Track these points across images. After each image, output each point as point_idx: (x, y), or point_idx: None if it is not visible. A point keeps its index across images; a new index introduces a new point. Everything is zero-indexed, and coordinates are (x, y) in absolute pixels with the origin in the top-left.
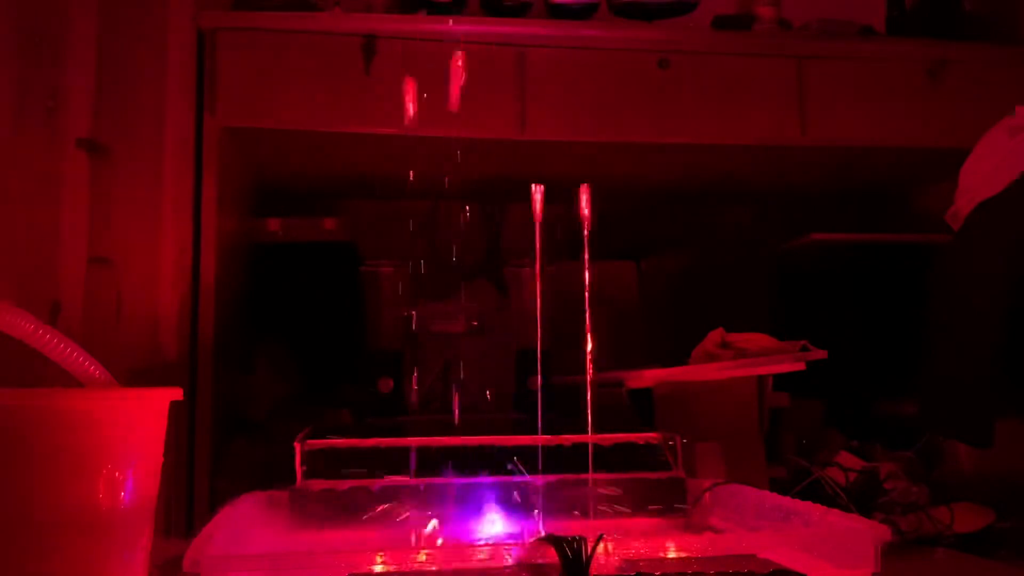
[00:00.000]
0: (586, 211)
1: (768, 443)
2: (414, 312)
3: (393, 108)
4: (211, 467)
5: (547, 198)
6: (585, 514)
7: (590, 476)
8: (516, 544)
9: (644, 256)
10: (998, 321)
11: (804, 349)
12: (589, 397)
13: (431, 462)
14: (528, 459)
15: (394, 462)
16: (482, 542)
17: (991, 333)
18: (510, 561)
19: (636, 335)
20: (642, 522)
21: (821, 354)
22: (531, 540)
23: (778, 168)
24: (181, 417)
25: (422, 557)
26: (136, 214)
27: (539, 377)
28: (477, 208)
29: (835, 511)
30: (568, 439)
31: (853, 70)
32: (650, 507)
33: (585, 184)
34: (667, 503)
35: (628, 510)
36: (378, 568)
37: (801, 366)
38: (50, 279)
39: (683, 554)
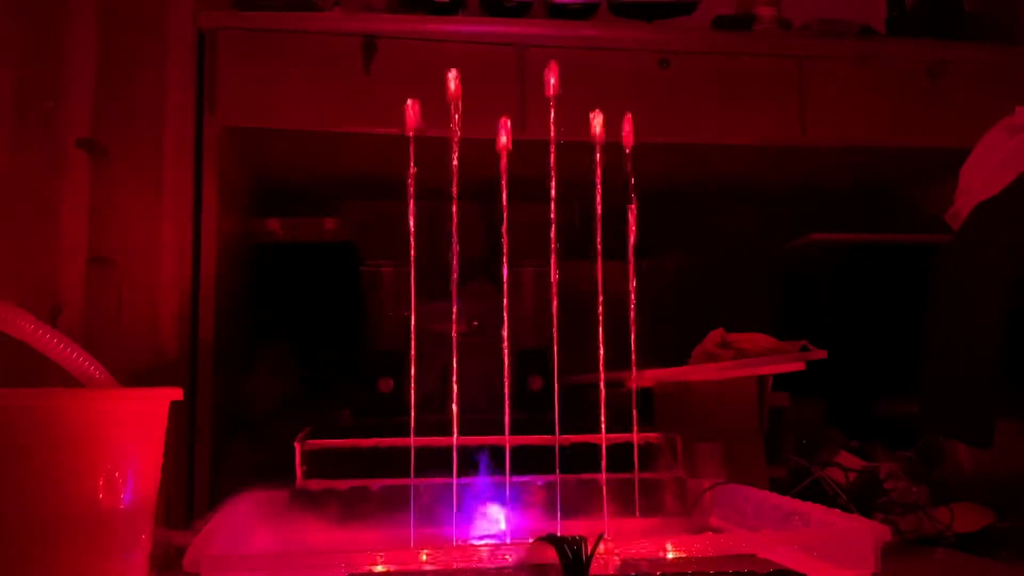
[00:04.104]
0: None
1: (768, 443)
2: (414, 312)
3: (393, 108)
4: (211, 467)
5: (547, 198)
6: (585, 514)
7: (590, 476)
8: (516, 544)
9: (644, 256)
10: (998, 321)
11: (804, 349)
12: (593, 397)
13: (431, 462)
14: (528, 459)
15: (394, 462)
16: (482, 542)
17: (991, 333)
18: (510, 561)
19: (636, 335)
20: (642, 522)
21: (821, 354)
22: (531, 540)
23: (778, 168)
24: (181, 417)
25: (422, 557)
26: (136, 214)
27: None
28: (477, 208)
29: (835, 511)
30: (568, 439)
31: (853, 70)
32: (650, 507)
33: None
34: (667, 503)
35: (628, 510)
36: (378, 568)
37: (801, 366)
38: (50, 279)
39: (683, 554)
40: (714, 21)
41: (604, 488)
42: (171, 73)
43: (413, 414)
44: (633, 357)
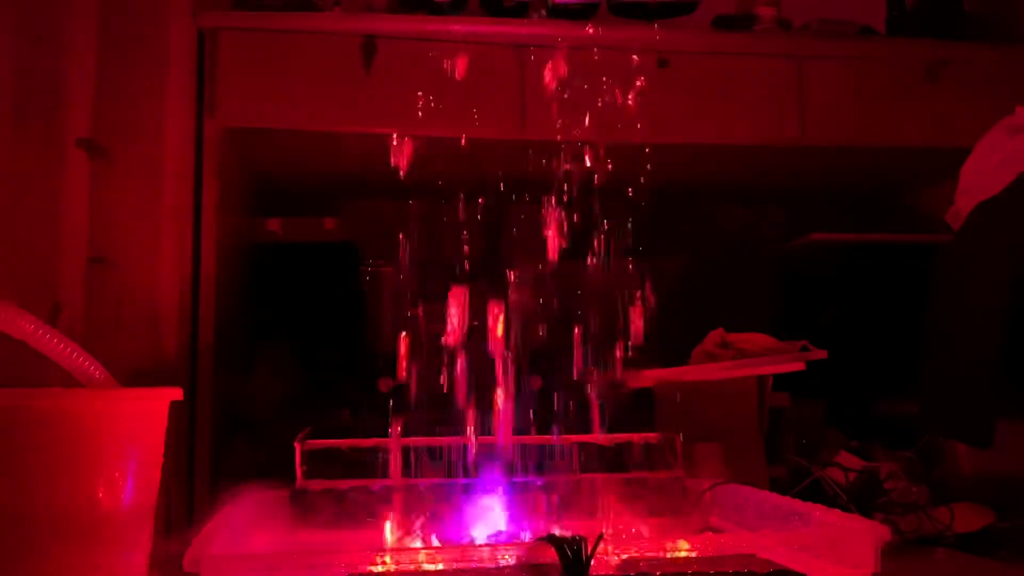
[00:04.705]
0: None
1: (768, 443)
2: (414, 312)
3: (393, 108)
4: (211, 467)
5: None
6: (585, 514)
7: (590, 476)
8: (516, 544)
9: (644, 256)
10: (998, 321)
11: (804, 349)
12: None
13: (431, 462)
14: (528, 459)
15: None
16: (482, 542)
17: (991, 333)
18: (510, 561)
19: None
20: (642, 522)
21: (821, 354)
22: (531, 540)
23: (778, 168)
24: (181, 417)
25: (422, 557)
26: (136, 214)
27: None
28: (477, 208)
29: (835, 511)
30: (568, 439)
31: (853, 70)
32: (650, 507)
33: None
34: (667, 503)
35: (628, 510)
36: (378, 568)
37: (801, 366)
38: (50, 279)
39: (683, 554)
40: (714, 21)
41: (604, 488)
42: (171, 73)
43: (414, 414)
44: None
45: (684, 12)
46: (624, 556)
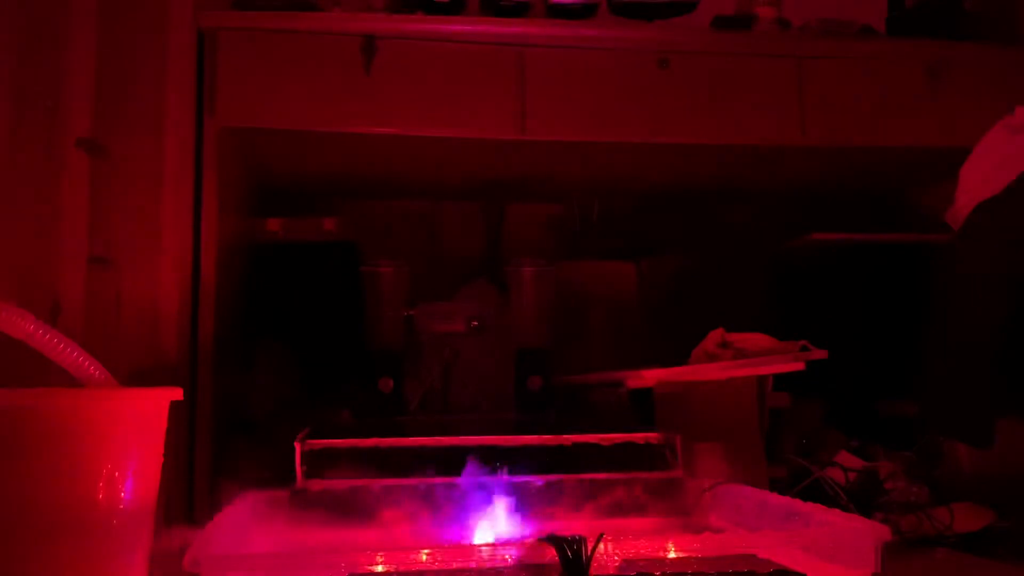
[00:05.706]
0: None
1: (768, 443)
2: (414, 312)
3: (393, 108)
4: (211, 467)
5: (547, 198)
6: (586, 514)
7: (590, 476)
8: (516, 544)
9: (644, 256)
10: (998, 321)
11: (804, 349)
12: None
13: (431, 462)
14: (528, 459)
15: (394, 462)
16: (482, 542)
17: (991, 333)
18: (510, 561)
19: (636, 335)
20: (642, 522)
21: (821, 354)
22: (531, 540)
23: (778, 168)
24: (181, 417)
25: (422, 557)
26: (136, 214)
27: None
28: (477, 208)
29: (835, 511)
30: (568, 439)
31: (853, 70)
32: (650, 507)
33: None
34: (667, 503)
35: (628, 510)
36: (378, 568)
37: (801, 366)
38: (50, 279)
39: (683, 554)
40: (714, 21)
41: (604, 488)
42: (171, 73)
43: (414, 414)
44: None
45: (684, 12)
46: (624, 556)
